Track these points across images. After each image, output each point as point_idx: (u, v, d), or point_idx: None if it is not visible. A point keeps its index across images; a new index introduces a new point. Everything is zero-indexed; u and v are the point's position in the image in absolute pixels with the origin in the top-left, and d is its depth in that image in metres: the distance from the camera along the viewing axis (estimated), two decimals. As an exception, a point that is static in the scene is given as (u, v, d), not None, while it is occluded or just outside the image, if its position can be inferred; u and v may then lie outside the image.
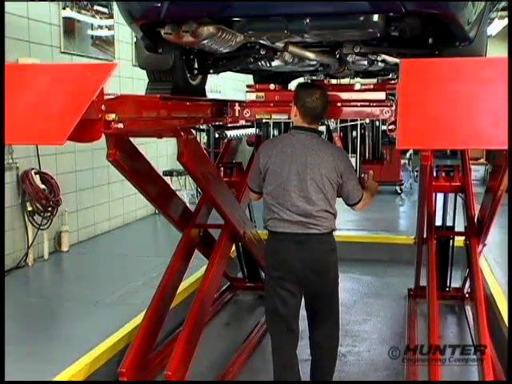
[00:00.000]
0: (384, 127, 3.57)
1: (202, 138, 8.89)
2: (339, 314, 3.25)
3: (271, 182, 3.08)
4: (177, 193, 4.24)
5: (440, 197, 4.61)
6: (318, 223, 3.00)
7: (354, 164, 3.42)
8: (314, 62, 3.40)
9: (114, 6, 6.29)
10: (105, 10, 6.86)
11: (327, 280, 3.12)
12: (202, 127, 4.76)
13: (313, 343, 3.25)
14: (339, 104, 3.41)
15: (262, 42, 2.87)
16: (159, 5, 2.49)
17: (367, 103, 3.38)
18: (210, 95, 3.82)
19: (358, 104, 3.41)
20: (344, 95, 3.42)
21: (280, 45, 2.88)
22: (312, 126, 3.09)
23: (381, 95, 3.34)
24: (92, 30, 6.68)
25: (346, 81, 4.13)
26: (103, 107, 2.12)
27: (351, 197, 3.10)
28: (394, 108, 3.26)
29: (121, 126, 2.25)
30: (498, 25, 9.06)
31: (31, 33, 5.61)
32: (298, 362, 3.21)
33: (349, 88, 3.52)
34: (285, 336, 3.15)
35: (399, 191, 10.26)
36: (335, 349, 3.29)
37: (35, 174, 5.60)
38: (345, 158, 3.15)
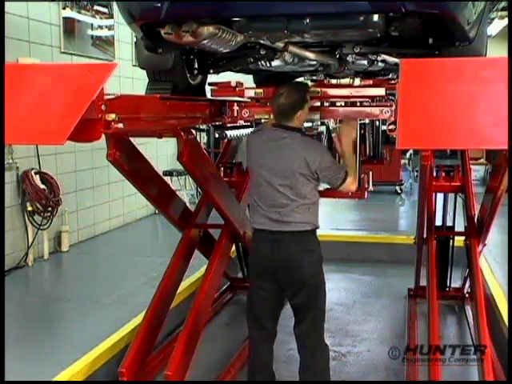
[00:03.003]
0: (384, 127, 3.57)
1: (202, 138, 8.88)
2: (322, 318, 3.15)
3: (252, 179, 3.14)
4: (177, 193, 4.24)
5: (440, 197, 4.61)
6: (291, 220, 3.02)
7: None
8: (314, 62, 3.40)
9: (114, 5, 6.28)
10: (105, 9, 6.86)
11: (302, 279, 3.03)
12: (202, 127, 4.75)
13: (296, 340, 3.21)
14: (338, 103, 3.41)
15: (261, 42, 2.87)
16: (159, 5, 2.49)
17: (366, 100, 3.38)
18: (210, 95, 3.81)
19: (358, 102, 3.40)
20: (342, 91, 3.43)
21: (280, 45, 2.88)
22: (283, 123, 3.09)
23: (380, 91, 3.35)
24: (92, 30, 6.68)
25: (346, 81, 4.13)
26: (103, 107, 2.12)
27: (332, 184, 3.18)
28: (393, 108, 3.25)
29: (121, 125, 2.24)
30: (498, 25, 9.08)
31: (31, 33, 5.61)
32: (272, 361, 3.22)
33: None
34: (259, 334, 3.19)
35: (399, 191, 10.26)
36: (319, 350, 3.14)
37: (35, 174, 5.60)
38: (319, 152, 3.08)
